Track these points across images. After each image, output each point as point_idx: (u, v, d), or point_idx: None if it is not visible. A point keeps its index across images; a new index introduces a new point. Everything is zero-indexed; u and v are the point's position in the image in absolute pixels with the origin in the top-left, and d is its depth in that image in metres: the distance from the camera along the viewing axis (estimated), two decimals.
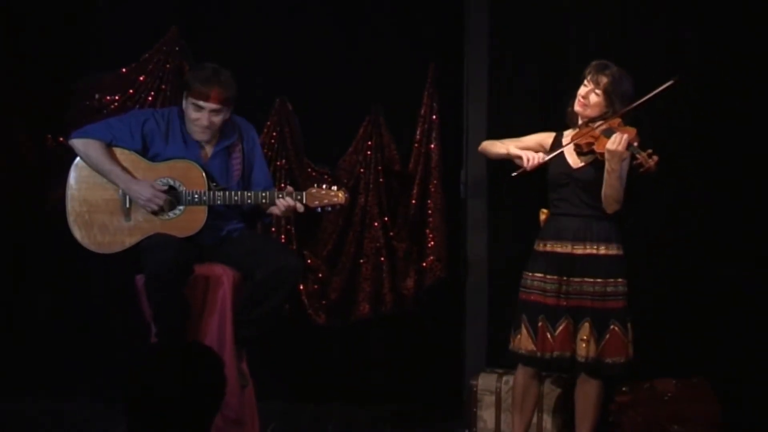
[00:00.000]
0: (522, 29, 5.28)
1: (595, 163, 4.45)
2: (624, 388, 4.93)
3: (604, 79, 4.42)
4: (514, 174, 4.50)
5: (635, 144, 4.34)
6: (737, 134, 5.16)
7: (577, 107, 4.49)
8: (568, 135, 4.58)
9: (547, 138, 4.64)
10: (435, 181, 5.49)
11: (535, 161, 4.45)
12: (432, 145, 5.51)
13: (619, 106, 4.42)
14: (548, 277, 4.47)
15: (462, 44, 5.39)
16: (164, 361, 2.49)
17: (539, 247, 4.54)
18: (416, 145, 5.53)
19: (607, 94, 4.43)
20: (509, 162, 4.71)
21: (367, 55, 5.57)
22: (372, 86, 5.54)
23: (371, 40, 5.59)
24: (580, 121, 4.53)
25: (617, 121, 4.42)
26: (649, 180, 4.45)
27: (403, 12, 5.58)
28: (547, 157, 4.47)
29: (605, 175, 4.36)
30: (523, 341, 4.48)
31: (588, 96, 4.45)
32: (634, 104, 4.41)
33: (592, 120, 4.48)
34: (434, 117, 5.51)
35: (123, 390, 2.47)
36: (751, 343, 5.13)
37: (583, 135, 4.45)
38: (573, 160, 4.51)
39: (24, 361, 5.62)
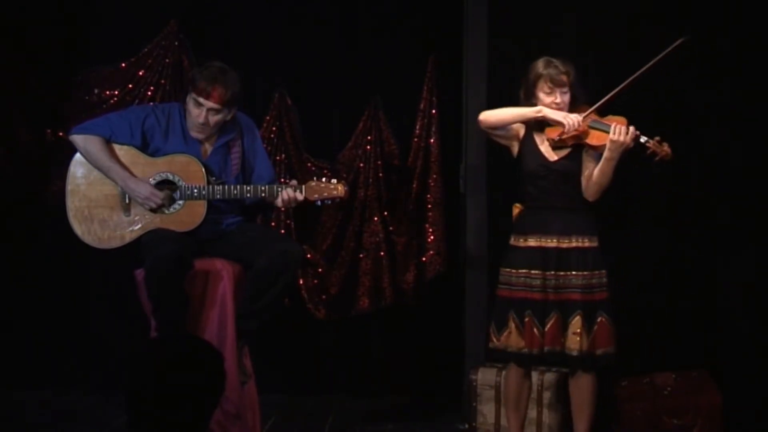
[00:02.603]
0: (521, 22, 5.28)
1: (572, 155, 4.44)
2: (623, 383, 4.94)
3: (565, 77, 4.42)
4: (556, 139, 4.40)
5: (639, 134, 4.34)
6: (730, 127, 5.18)
7: None
8: (540, 129, 4.54)
9: (519, 128, 4.58)
10: (434, 176, 5.49)
11: (576, 126, 4.37)
12: (431, 140, 5.51)
13: (580, 91, 4.45)
14: (533, 272, 4.43)
15: (461, 38, 5.38)
16: (164, 355, 2.49)
17: (519, 242, 4.49)
18: (415, 139, 5.53)
19: (573, 88, 4.45)
20: (507, 154, 4.70)
21: (367, 50, 5.58)
22: (371, 80, 5.54)
23: (370, 34, 5.59)
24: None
25: (592, 111, 4.42)
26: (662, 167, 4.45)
27: (402, 6, 5.58)
28: (582, 119, 4.38)
29: (602, 162, 4.34)
30: (513, 339, 4.44)
31: (561, 100, 4.44)
32: (639, 72, 4.39)
33: None
34: (433, 111, 5.51)
35: (123, 384, 2.47)
36: (752, 335, 5.14)
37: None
38: (548, 152, 4.48)
39: (25, 354, 5.63)
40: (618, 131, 4.30)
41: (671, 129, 5.07)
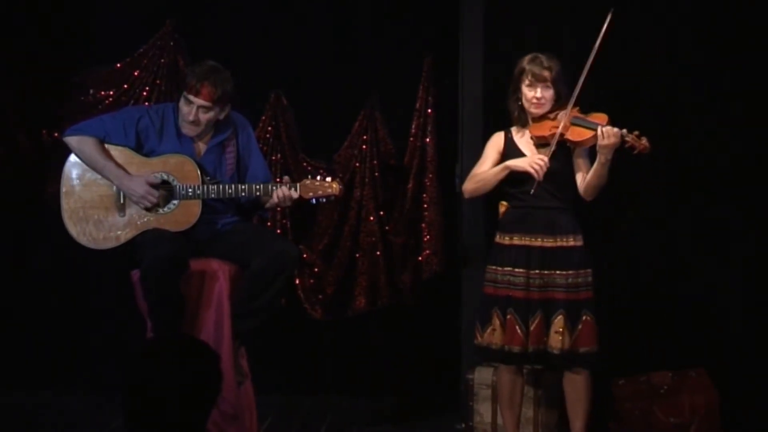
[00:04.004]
0: (517, 22, 5.28)
1: (555, 154, 4.43)
2: (621, 382, 4.94)
3: (547, 73, 4.43)
4: (533, 191, 4.41)
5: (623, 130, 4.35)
6: (730, 126, 5.19)
7: (534, 110, 4.47)
8: (521, 130, 4.56)
9: (498, 141, 4.60)
10: (431, 175, 5.49)
11: (544, 168, 4.39)
12: (427, 139, 5.50)
13: (564, 89, 4.45)
14: (516, 270, 4.44)
15: (457, 38, 5.38)
16: (159, 356, 2.49)
17: (504, 240, 4.51)
18: (412, 139, 5.52)
19: (556, 84, 4.45)
20: None
21: (363, 49, 5.58)
22: (367, 80, 5.54)
23: (366, 34, 5.59)
24: (530, 117, 4.52)
25: (575, 108, 4.42)
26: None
27: (398, 6, 5.58)
28: (548, 158, 4.41)
29: (597, 166, 4.34)
30: (496, 336, 4.46)
31: (543, 95, 4.45)
32: (585, 71, 4.39)
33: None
34: (429, 111, 5.51)
35: (120, 385, 2.47)
36: (749, 334, 5.15)
37: (547, 128, 4.44)
38: (531, 152, 4.49)
39: (25, 354, 5.63)
40: (604, 134, 4.30)
41: (670, 128, 5.10)
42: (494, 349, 4.48)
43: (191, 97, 4.40)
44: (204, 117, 4.44)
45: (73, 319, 5.66)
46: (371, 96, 5.53)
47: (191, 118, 4.43)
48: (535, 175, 4.39)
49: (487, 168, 4.58)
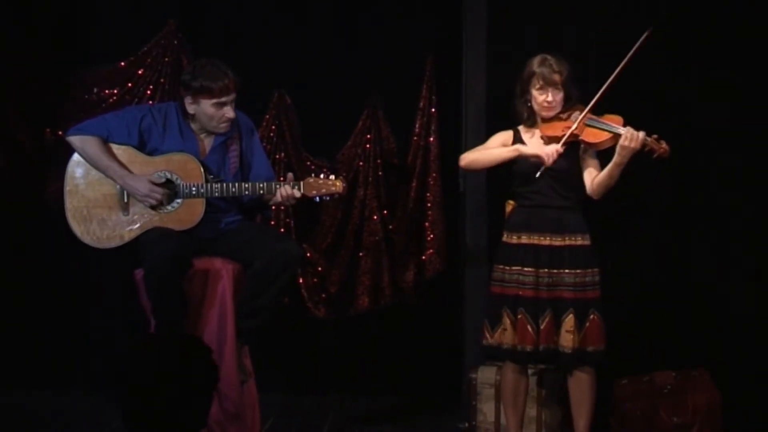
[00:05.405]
0: (520, 21, 5.28)
1: (565, 153, 4.43)
2: (623, 381, 4.94)
3: (557, 77, 4.43)
4: (538, 174, 4.40)
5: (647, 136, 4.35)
6: (730, 126, 5.19)
7: (545, 113, 4.48)
8: (529, 130, 4.56)
9: (507, 138, 4.61)
10: (434, 175, 5.49)
11: (555, 155, 4.39)
12: (431, 139, 5.50)
13: (574, 90, 4.46)
14: (525, 269, 4.44)
15: (460, 37, 5.38)
16: (150, 351, 2.48)
17: (512, 239, 4.51)
18: (415, 138, 5.52)
19: (566, 86, 4.45)
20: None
21: (366, 49, 5.57)
22: (371, 79, 5.54)
23: (370, 33, 5.58)
24: (540, 118, 4.52)
25: (586, 110, 4.42)
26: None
27: (400, 5, 5.58)
28: (561, 148, 4.40)
29: (611, 167, 4.35)
30: (507, 335, 4.46)
31: (554, 98, 4.44)
32: (615, 74, 4.38)
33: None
34: (433, 110, 5.51)
35: (115, 382, 2.47)
36: (752, 335, 5.14)
37: (558, 128, 4.44)
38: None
39: (25, 354, 5.63)
40: (628, 137, 4.29)
41: (671, 128, 5.09)
42: (505, 349, 4.48)
43: (224, 99, 4.42)
44: (233, 108, 4.47)
45: (73, 319, 5.65)
46: (374, 95, 5.53)
47: (232, 114, 4.46)
48: (546, 159, 4.38)
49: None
